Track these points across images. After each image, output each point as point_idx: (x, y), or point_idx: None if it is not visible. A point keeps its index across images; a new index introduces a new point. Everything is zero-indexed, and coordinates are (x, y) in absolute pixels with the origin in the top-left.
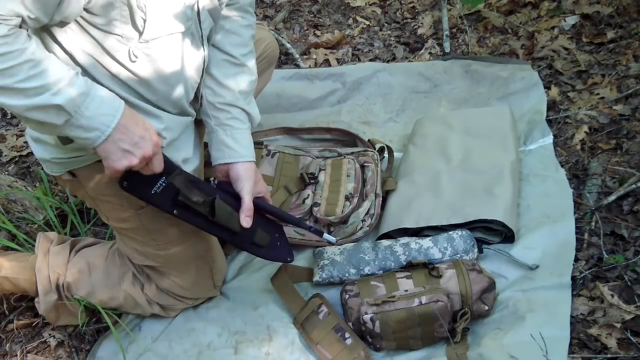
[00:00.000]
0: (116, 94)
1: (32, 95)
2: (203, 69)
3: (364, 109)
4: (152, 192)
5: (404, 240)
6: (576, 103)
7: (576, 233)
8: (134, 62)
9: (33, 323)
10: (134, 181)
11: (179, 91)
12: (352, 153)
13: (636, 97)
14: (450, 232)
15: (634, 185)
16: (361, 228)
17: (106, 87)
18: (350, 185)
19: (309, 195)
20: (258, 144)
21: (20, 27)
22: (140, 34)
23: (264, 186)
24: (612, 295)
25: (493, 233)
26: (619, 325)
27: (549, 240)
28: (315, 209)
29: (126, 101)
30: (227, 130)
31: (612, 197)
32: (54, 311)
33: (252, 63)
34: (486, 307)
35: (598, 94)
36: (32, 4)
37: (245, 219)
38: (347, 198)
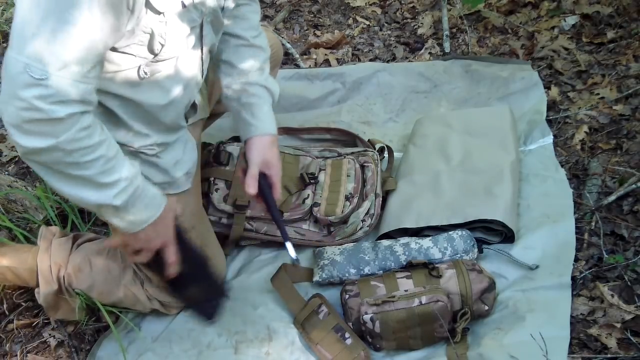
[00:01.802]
0: (112, 109)
1: (100, 188)
2: (202, 79)
3: (364, 109)
4: None
5: (404, 240)
6: (576, 103)
7: (576, 233)
8: (143, 79)
9: (33, 323)
10: None
11: (176, 111)
12: (352, 153)
13: (636, 97)
14: (450, 232)
15: (634, 185)
16: (361, 228)
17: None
18: (350, 185)
19: (309, 195)
20: None
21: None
22: (155, 55)
23: (276, 168)
24: (612, 295)
25: (493, 233)
26: (619, 325)
27: (549, 240)
28: (315, 209)
29: (118, 117)
30: (247, 108)
31: (612, 197)
32: (53, 302)
33: (264, 42)
34: (486, 307)
35: (598, 94)
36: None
37: (248, 186)
38: (347, 198)
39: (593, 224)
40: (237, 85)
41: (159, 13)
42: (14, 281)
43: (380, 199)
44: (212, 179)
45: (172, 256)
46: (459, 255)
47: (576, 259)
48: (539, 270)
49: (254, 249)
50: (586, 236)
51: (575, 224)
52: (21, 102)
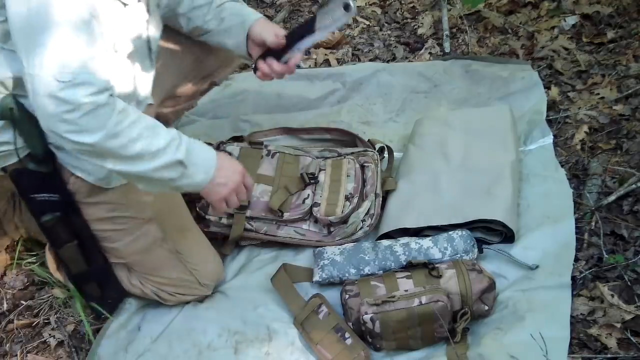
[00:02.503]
0: None
1: (159, 156)
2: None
3: (364, 109)
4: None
5: (404, 240)
6: (576, 103)
7: (576, 233)
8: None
9: (33, 323)
10: None
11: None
12: (352, 153)
13: (636, 97)
14: (450, 232)
15: (634, 185)
16: (361, 228)
17: None
18: (350, 185)
19: (309, 195)
20: (258, 144)
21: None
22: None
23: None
24: (612, 295)
25: (493, 233)
26: (619, 325)
27: (549, 240)
28: (315, 209)
29: None
30: (232, 17)
31: (612, 197)
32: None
33: None
34: (486, 307)
35: (598, 94)
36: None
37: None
38: (347, 198)
39: (593, 224)
40: (210, 15)
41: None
42: None
43: (380, 199)
44: None
45: (248, 182)
46: (459, 255)
47: (576, 259)
48: (539, 270)
49: (254, 249)
50: (586, 236)
51: (575, 224)
52: (65, 105)
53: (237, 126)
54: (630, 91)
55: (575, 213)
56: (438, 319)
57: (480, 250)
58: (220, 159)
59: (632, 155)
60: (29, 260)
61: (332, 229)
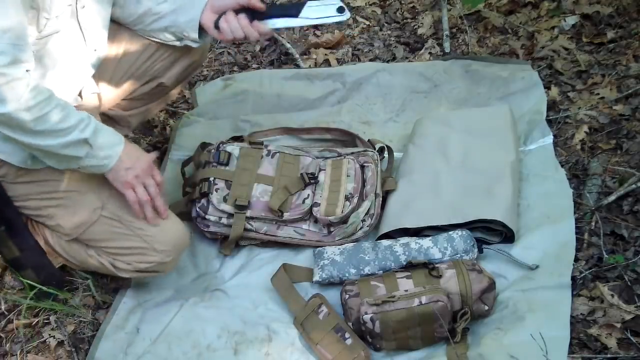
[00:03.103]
0: None
1: (66, 134)
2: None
3: (364, 109)
4: None
5: (403, 240)
6: (576, 103)
7: (576, 233)
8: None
9: (33, 323)
10: None
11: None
12: (352, 153)
13: (636, 97)
14: (450, 232)
15: (634, 185)
16: (361, 228)
17: None
18: (350, 185)
19: (308, 195)
20: (258, 144)
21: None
22: (40, 32)
23: None
24: (612, 295)
25: (493, 233)
26: (619, 325)
27: (549, 240)
28: (315, 209)
29: None
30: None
31: (612, 197)
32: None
33: None
34: (486, 307)
35: (598, 94)
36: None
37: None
38: (347, 198)
39: (593, 224)
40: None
41: None
42: None
43: (380, 199)
44: (212, 178)
45: (157, 177)
46: (459, 255)
47: (576, 259)
48: (539, 270)
49: (254, 249)
50: (586, 236)
51: (575, 223)
52: None
53: (237, 126)
54: (630, 91)
55: (575, 213)
56: (438, 319)
57: (480, 250)
58: (128, 146)
59: (632, 155)
60: None
61: (332, 229)
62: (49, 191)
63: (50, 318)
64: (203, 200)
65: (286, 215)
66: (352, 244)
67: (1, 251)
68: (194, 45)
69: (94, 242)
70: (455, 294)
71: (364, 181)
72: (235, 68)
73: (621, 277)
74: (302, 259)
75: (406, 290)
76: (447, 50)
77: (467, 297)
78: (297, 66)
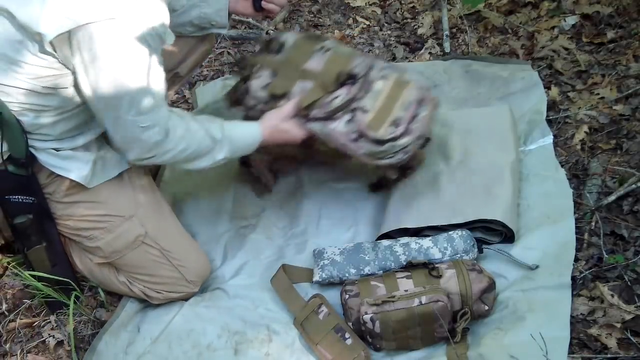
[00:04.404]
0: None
1: (205, 159)
2: None
3: None
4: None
5: (403, 240)
6: (576, 103)
7: (576, 233)
8: None
9: (33, 323)
10: None
11: None
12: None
13: (636, 97)
14: (450, 232)
15: (634, 185)
16: (389, 157)
17: None
18: (403, 112)
19: (339, 95)
20: (316, 38)
21: None
22: None
23: None
24: (612, 295)
25: (493, 233)
26: (619, 325)
27: (549, 240)
28: (359, 113)
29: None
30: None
31: (612, 197)
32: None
33: None
34: (486, 307)
35: (598, 94)
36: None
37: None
38: (394, 123)
39: (593, 224)
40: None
41: None
42: None
43: (422, 142)
44: (258, 65)
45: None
46: (459, 255)
47: (576, 259)
48: (539, 270)
49: (254, 249)
50: (586, 236)
51: (575, 224)
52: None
53: None
54: (630, 91)
55: (575, 213)
56: (438, 319)
57: (480, 250)
58: (267, 134)
59: (632, 155)
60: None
61: (361, 140)
62: (94, 214)
63: (50, 317)
64: (245, 85)
65: (314, 113)
66: (352, 244)
67: (35, 265)
68: (222, 31)
69: (128, 268)
70: (455, 294)
71: (414, 116)
72: (235, 68)
73: (621, 277)
74: (302, 259)
75: (406, 290)
76: (447, 50)
77: (467, 297)
78: None
